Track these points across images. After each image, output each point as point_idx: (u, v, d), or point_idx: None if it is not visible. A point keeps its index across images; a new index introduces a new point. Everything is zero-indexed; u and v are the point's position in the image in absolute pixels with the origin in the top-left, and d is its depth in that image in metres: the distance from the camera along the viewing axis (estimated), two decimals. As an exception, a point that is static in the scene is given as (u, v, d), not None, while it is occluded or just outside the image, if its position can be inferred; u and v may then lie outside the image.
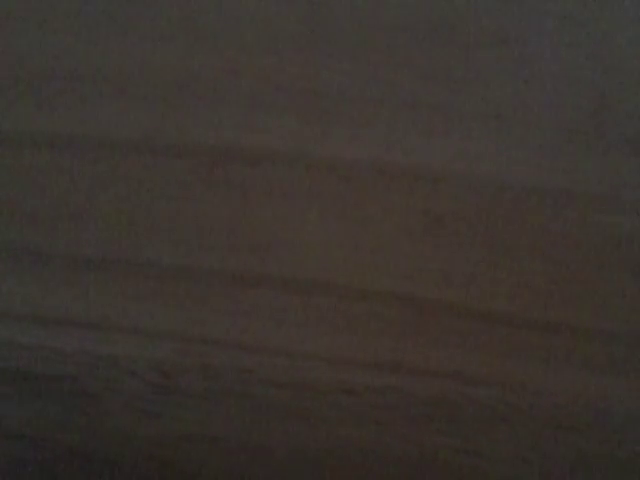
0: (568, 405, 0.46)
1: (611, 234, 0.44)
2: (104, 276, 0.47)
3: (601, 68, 0.43)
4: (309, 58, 0.44)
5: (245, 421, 0.48)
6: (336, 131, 0.45)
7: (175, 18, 0.45)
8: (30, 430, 0.49)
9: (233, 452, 0.48)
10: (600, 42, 0.43)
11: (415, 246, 0.45)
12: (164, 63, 0.45)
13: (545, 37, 0.43)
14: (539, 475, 0.47)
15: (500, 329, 0.46)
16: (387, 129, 0.45)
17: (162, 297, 0.47)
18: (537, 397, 0.46)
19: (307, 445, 0.48)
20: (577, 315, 0.45)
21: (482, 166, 0.44)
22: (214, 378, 0.47)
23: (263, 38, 0.45)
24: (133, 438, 0.49)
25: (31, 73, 0.46)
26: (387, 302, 0.46)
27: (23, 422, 0.49)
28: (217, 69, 0.45)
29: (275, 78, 0.45)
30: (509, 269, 0.45)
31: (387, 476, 0.48)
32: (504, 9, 0.43)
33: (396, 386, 0.46)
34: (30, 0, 0.46)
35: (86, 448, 0.49)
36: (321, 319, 0.46)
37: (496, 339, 0.46)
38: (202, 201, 0.46)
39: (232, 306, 0.47)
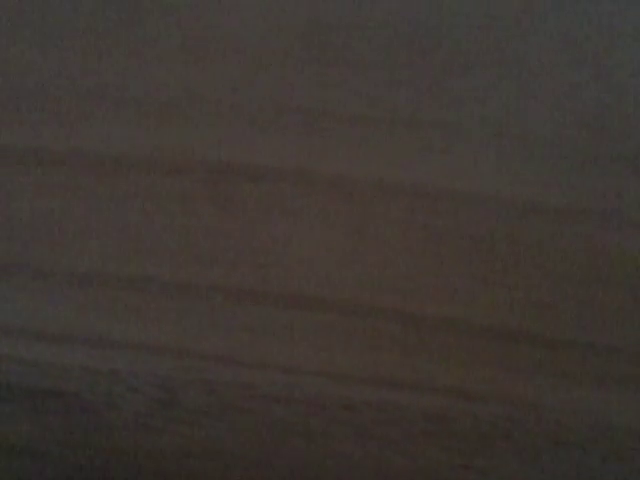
0: (569, 421, 0.46)
1: (611, 250, 0.44)
2: (105, 291, 0.47)
3: (601, 85, 0.43)
4: (310, 76, 0.44)
5: (245, 437, 0.48)
6: (337, 148, 0.45)
7: (177, 36, 0.45)
8: (30, 446, 0.49)
9: (234, 467, 0.48)
10: (600, 59, 0.43)
11: (416, 262, 0.45)
12: (166, 80, 0.45)
13: (545, 55, 0.43)
14: (540, 491, 0.47)
15: (501, 345, 0.46)
16: (388, 146, 0.45)
17: (163, 313, 0.47)
18: (538, 413, 0.46)
19: (307, 460, 0.48)
20: (578, 331, 0.45)
21: (482, 183, 0.44)
22: (215, 393, 0.47)
23: (264, 56, 0.45)
24: (134, 453, 0.49)
25: (33, 90, 0.46)
26: (388, 318, 0.46)
27: (23, 438, 0.49)
28: (219, 87, 0.45)
29: (276, 96, 0.45)
30: (510, 285, 0.45)
31: (388, 492, 0.48)
32: (504, 27, 0.43)
33: (396, 402, 0.47)
34: (33, 17, 0.46)
35: (87, 464, 0.49)
36: (322, 335, 0.46)
37: (497, 355, 0.46)
38: (203, 218, 0.46)
39: (233, 322, 0.47)
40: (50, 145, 0.46)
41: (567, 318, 0.45)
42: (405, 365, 0.46)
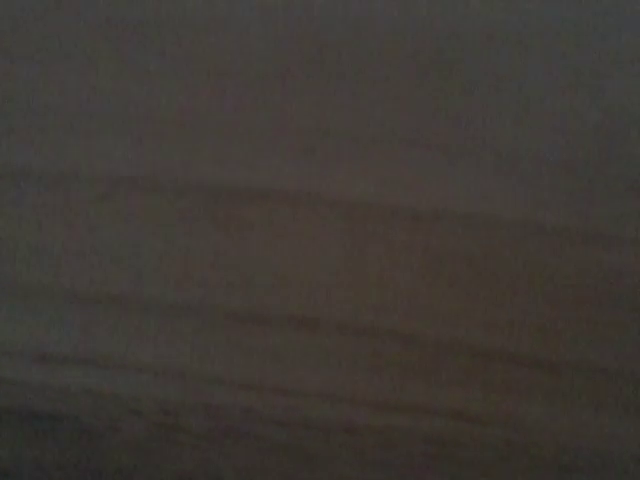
0: (570, 445, 0.46)
1: (612, 272, 0.44)
2: (106, 313, 0.47)
3: (601, 107, 0.43)
4: (311, 97, 0.45)
5: (247, 460, 0.48)
6: (338, 169, 0.45)
7: (179, 56, 0.45)
8: (31, 470, 0.49)
9: (235, 492, 0.48)
10: (600, 82, 0.43)
11: (416, 284, 0.45)
12: (167, 100, 0.45)
13: (545, 77, 0.44)
14: (541, 515, 0.47)
15: (501, 367, 0.45)
16: (388, 167, 0.45)
17: (164, 335, 0.47)
18: (539, 436, 0.46)
19: (308, 484, 0.48)
20: (579, 353, 0.45)
21: (483, 204, 0.44)
22: (216, 417, 0.47)
23: (266, 77, 0.45)
24: (135, 477, 0.48)
25: (35, 110, 0.46)
26: (388, 340, 0.46)
27: (24, 462, 0.49)
28: (219, 107, 0.45)
29: (277, 117, 0.45)
30: (510, 307, 0.45)
31: (388, 516, 0.48)
32: (504, 50, 0.44)
33: (397, 425, 0.46)
34: (33, 38, 0.46)
35: (87, 487, 0.49)
36: (322, 357, 0.46)
37: (497, 377, 0.46)
38: (205, 238, 0.46)
39: (234, 344, 0.47)
40: (49, 165, 0.46)
41: (568, 340, 0.45)
42: (405, 387, 0.46)
